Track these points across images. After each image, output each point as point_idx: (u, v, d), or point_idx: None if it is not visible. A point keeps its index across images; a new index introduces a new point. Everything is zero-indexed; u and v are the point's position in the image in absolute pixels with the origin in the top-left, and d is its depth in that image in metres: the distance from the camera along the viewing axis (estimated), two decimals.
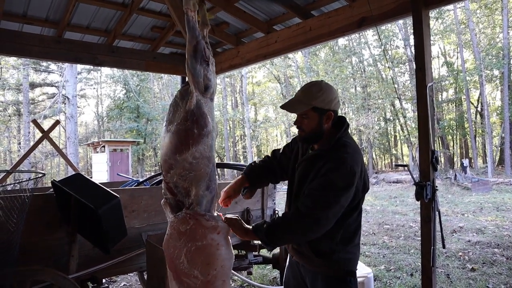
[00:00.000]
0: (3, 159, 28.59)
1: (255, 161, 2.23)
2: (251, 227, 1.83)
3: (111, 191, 2.39)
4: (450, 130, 25.64)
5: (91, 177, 17.21)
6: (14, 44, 4.32)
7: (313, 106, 1.81)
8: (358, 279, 3.35)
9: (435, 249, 3.15)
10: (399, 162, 28.75)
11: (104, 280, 4.18)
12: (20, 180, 1.97)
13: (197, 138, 1.85)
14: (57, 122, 5.60)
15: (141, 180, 3.94)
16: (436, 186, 3.27)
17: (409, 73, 23.95)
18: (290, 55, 26.65)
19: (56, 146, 5.30)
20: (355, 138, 26.79)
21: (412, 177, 3.43)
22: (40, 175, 2.35)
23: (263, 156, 2.28)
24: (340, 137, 1.83)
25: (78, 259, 2.65)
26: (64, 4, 4.22)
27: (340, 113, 1.94)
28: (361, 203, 1.87)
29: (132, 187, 3.79)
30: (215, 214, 1.95)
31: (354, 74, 25.71)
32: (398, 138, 29.75)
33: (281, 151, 2.17)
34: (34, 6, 4.22)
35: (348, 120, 1.90)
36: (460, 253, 5.65)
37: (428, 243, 3.15)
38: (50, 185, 2.96)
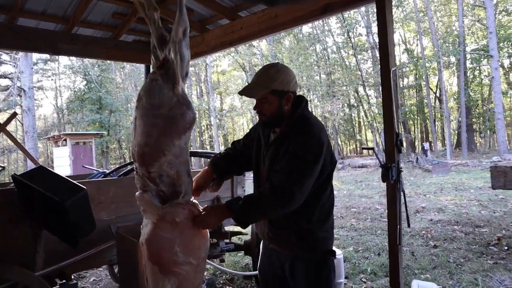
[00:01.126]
0: None
1: (220, 153, 2.20)
2: (225, 204, 1.80)
3: (77, 183, 2.30)
4: (411, 115, 26.62)
5: None
6: None
7: (271, 89, 1.81)
8: None
9: (401, 228, 3.27)
10: (364, 147, 29.53)
11: (72, 276, 4.08)
12: None
13: (191, 122, 1.82)
14: (15, 114, 5.32)
15: (107, 171, 3.84)
16: (401, 168, 3.39)
17: (371, 60, 24.51)
18: (255, 43, 26.56)
19: (14, 140, 5.04)
20: None
21: (378, 159, 3.53)
22: (0, 168, 2.23)
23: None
24: (301, 112, 1.85)
25: (44, 255, 2.55)
26: None
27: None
28: (331, 178, 1.89)
29: (99, 179, 3.68)
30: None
31: (318, 62, 26.02)
32: (362, 124, 30.54)
33: (241, 142, 2.16)
34: None
35: (310, 104, 1.92)
36: (423, 232, 5.92)
37: (394, 222, 3.26)
38: (8, 180, 2.81)
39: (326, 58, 25.93)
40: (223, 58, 30.35)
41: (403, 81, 27.63)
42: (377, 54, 20.45)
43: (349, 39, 22.88)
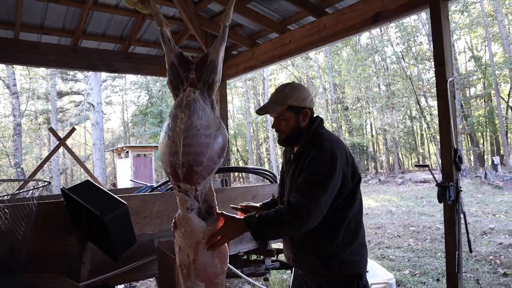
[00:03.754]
0: (33, 166, 29.57)
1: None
2: (244, 218, 1.74)
3: (119, 198, 2.35)
4: (480, 127, 24.72)
5: (116, 182, 17.52)
6: (32, 54, 4.41)
7: (288, 105, 1.83)
8: (379, 286, 3.22)
9: (461, 254, 2.98)
10: (426, 161, 27.96)
11: (122, 286, 4.20)
12: (21, 191, 1.96)
13: (227, 142, 1.92)
14: (73, 130, 5.70)
15: (155, 185, 3.93)
16: (460, 187, 3.10)
17: (434, 69, 23.24)
18: (311, 55, 26.43)
19: (72, 154, 5.38)
20: (380, 137, 26.24)
21: (434, 177, 3.27)
22: (45, 183, 2.35)
23: None
24: (315, 129, 1.84)
25: (89, 266, 2.63)
26: (79, 13, 4.28)
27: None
28: (357, 195, 1.80)
29: (146, 193, 3.78)
30: None
31: (377, 73, 25.22)
32: (424, 136, 28.95)
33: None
34: (50, 16, 4.29)
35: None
36: (491, 257, 5.37)
37: (453, 247, 2.99)
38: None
39: (385, 68, 25.06)
40: (280, 72, 30.53)
41: (469, 91, 25.85)
42: None
43: (409, 48, 21.94)
